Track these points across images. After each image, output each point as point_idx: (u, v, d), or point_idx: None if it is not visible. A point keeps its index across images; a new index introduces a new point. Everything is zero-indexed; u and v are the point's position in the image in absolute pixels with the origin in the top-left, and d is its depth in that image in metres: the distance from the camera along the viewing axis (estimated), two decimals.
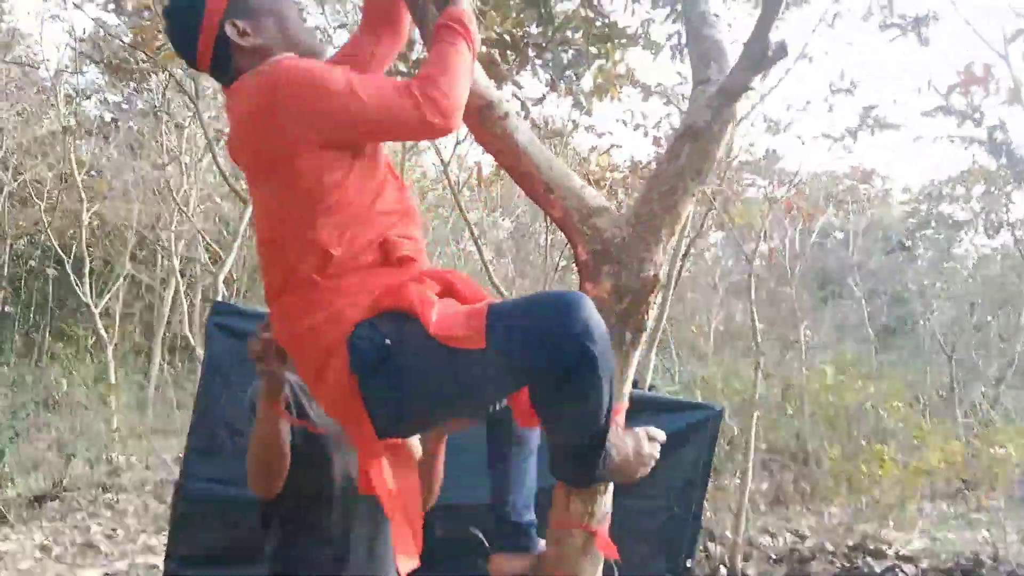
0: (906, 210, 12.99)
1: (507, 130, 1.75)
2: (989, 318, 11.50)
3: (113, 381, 8.49)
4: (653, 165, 6.77)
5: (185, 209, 9.26)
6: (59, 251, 9.88)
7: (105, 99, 11.70)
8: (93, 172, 11.55)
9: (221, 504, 2.83)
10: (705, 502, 3.88)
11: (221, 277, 7.23)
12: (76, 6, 7.32)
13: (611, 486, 1.76)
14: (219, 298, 6.86)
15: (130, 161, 11.06)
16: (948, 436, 6.65)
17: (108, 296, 9.96)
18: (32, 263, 13.07)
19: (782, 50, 1.70)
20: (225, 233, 10.52)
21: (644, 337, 1.72)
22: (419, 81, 1.61)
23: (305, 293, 1.60)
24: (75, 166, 9.53)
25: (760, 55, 1.72)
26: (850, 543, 5.19)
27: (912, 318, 14.34)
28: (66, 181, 10.50)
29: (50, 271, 11.73)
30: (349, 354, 1.54)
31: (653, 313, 1.70)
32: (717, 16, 1.98)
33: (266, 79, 1.59)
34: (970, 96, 6.88)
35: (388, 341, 1.52)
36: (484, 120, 1.75)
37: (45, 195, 10.39)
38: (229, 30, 1.69)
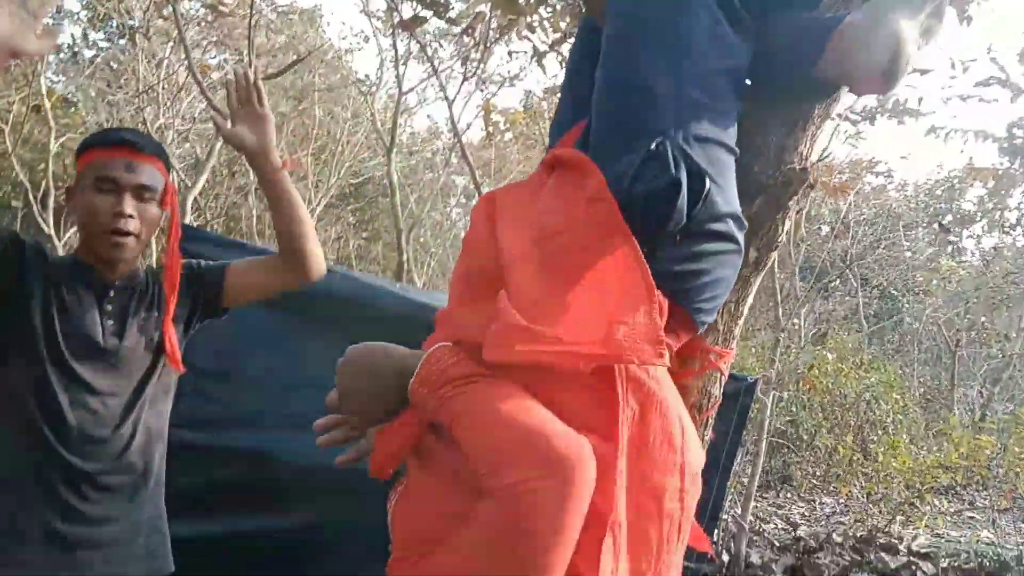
0: (910, 206, 12.71)
1: None
2: (983, 318, 11.27)
3: None
4: None
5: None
6: (27, 184, 9.27)
7: (85, 31, 11.12)
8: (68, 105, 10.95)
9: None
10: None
11: (189, 200, 6.78)
12: None
13: None
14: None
15: (106, 95, 10.47)
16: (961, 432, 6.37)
17: (73, 229, 9.42)
18: None
19: None
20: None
21: (773, 258, 1.32)
22: None
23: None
24: (45, 94, 8.94)
25: None
26: (857, 535, 4.88)
27: (899, 313, 14.14)
28: (38, 111, 9.87)
29: (16, 203, 11.07)
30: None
31: (787, 226, 1.30)
32: None
33: None
34: None
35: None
36: None
37: (10, 124, 9.73)
38: None
